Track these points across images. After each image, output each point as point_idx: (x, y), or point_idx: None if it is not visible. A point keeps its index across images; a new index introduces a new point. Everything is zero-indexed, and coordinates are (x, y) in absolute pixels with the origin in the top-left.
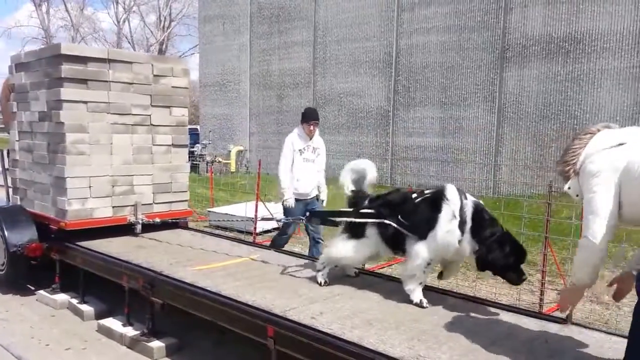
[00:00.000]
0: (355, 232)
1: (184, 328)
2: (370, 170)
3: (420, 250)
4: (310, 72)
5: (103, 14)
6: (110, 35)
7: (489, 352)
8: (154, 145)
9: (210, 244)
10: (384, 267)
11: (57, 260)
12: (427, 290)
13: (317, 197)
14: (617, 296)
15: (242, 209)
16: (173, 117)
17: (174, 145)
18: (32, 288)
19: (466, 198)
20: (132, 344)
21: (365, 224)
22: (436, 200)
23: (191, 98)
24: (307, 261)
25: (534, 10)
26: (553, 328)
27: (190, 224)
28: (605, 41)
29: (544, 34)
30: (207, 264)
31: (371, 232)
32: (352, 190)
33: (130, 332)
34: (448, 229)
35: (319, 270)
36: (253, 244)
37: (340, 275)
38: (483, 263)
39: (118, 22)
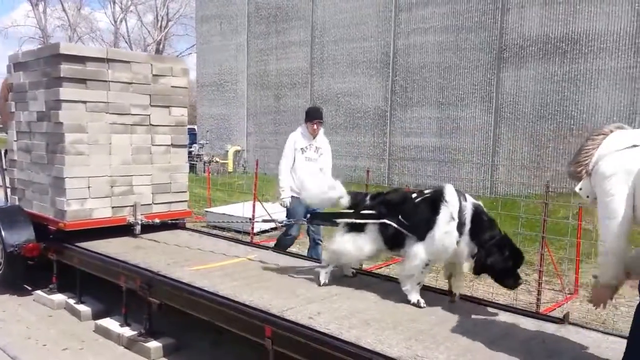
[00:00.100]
0: (356, 229)
1: (182, 328)
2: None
3: (418, 251)
4: (308, 72)
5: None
6: (108, 35)
7: (486, 352)
8: (153, 145)
9: (208, 244)
10: (381, 268)
11: (55, 260)
12: (425, 290)
13: None
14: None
15: (239, 209)
16: (172, 117)
17: (173, 146)
18: (29, 288)
19: (465, 200)
20: (130, 344)
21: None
22: (435, 201)
23: (189, 98)
24: (304, 261)
25: (531, 10)
26: (550, 328)
27: (188, 224)
28: (602, 41)
29: (541, 34)
30: (205, 264)
31: (372, 230)
32: (351, 192)
33: (127, 332)
34: (446, 230)
35: (322, 268)
36: (250, 244)
37: (337, 276)
38: (481, 267)
39: (115, 21)
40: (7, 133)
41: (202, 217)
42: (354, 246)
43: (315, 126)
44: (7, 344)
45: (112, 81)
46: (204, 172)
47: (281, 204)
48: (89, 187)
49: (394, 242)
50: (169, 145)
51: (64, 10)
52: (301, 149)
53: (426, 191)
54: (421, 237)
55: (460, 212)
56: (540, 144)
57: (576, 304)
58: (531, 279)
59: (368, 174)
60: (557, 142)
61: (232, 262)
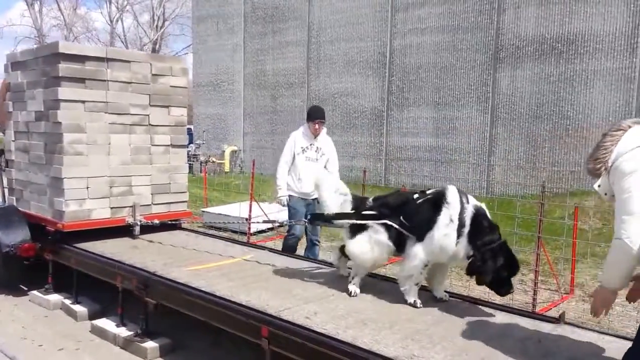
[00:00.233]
0: (367, 231)
1: (179, 329)
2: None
3: (417, 252)
4: (304, 72)
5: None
6: (104, 34)
7: (482, 351)
8: (152, 145)
9: (205, 244)
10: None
11: (50, 260)
12: (421, 290)
13: (318, 200)
14: (632, 296)
15: (236, 209)
16: (172, 116)
17: (172, 146)
18: (25, 288)
19: (468, 202)
20: (126, 344)
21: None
22: (436, 202)
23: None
24: (301, 261)
25: (527, 11)
26: (546, 327)
27: (184, 224)
28: (598, 42)
29: (536, 34)
30: (201, 264)
31: (380, 231)
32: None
33: (123, 332)
34: (445, 232)
35: (350, 281)
36: (247, 244)
37: (334, 276)
38: (474, 269)
39: (111, 21)
40: (4, 133)
41: (198, 217)
42: (371, 250)
43: (316, 126)
44: (3, 344)
45: (111, 81)
46: (201, 172)
47: (279, 203)
48: (87, 187)
49: (397, 243)
50: (168, 146)
51: (60, 9)
52: (301, 148)
53: (428, 192)
54: (421, 238)
55: (461, 214)
56: (536, 144)
57: (572, 303)
58: (527, 279)
59: (365, 174)
60: (553, 142)
61: (228, 262)
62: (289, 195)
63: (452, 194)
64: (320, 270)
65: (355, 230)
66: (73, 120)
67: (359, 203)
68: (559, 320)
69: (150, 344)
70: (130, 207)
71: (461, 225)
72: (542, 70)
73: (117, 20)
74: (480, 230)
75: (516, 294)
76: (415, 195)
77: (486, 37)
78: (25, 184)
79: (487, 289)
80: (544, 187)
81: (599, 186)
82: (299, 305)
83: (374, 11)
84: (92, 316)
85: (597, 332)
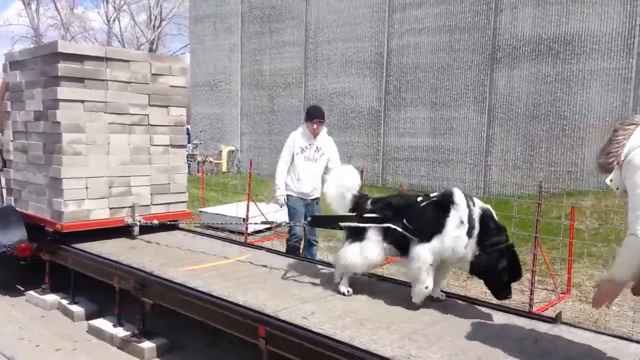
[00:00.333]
0: (361, 235)
1: (176, 329)
2: (355, 182)
3: (421, 252)
4: (302, 72)
5: (93, 13)
6: (101, 34)
7: (479, 351)
8: (151, 145)
9: (202, 244)
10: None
11: (47, 260)
12: None
13: (317, 200)
14: (638, 290)
15: (233, 209)
16: (171, 116)
17: (172, 146)
18: (22, 289)
19: (474, 204)
20: (123, 344)
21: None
22: (443, 204)
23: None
24: (299, 262)
25: (524, 11)
26: (543, 327)
27: (181, 224)
28: (595, 42)
29: (533, 35)
30: (199, 264)
31: (375, 234)
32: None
33: (120, 332)
34: (456, 234)
35: (338, 282)
36: (244, 244)
37: (331, 276)
38: (477, 269)
39: (108, 21)
40: (2, 133)
41: (195, 217)
42: (362, 256)
43: (315, 126)
44: (0, 345)
45: (110, 80)
46: (198, 172)
47: (276, 202)
48: (86, 187)
49: (399, 245)
50: (167, 146)
51: (56, 9)
52: (300, 148)
53: (432, 194)
54: (427, 239)
55: (470, 216)
56: (533, 144)
57: (569, 303)
58: (524, 279)
59: (362, 174)
60: (550, 142)
61: (225, 262)
62: (288, 195)
63: (459, 196)
64: (317, 271)
65: (352, 234)
66: (72, 120)
67: (359, 200)
68: (555, 320)
69: (147, 344)
70: (129, 207)
71: (471, 227)
72: (539, 71)
73: (114, 20)
74: (488, 231)
75: (513, 293)
76: (419, 198)
77: (483, 38)
78: (24, 184)
79: (484, 289)
80: (540, 187)
81: (610, 180)
82: (296, 305)
83: (371, 11)
84: (89, 316)
85: (594, 332)
